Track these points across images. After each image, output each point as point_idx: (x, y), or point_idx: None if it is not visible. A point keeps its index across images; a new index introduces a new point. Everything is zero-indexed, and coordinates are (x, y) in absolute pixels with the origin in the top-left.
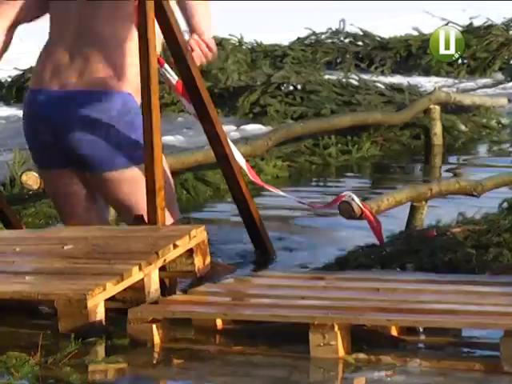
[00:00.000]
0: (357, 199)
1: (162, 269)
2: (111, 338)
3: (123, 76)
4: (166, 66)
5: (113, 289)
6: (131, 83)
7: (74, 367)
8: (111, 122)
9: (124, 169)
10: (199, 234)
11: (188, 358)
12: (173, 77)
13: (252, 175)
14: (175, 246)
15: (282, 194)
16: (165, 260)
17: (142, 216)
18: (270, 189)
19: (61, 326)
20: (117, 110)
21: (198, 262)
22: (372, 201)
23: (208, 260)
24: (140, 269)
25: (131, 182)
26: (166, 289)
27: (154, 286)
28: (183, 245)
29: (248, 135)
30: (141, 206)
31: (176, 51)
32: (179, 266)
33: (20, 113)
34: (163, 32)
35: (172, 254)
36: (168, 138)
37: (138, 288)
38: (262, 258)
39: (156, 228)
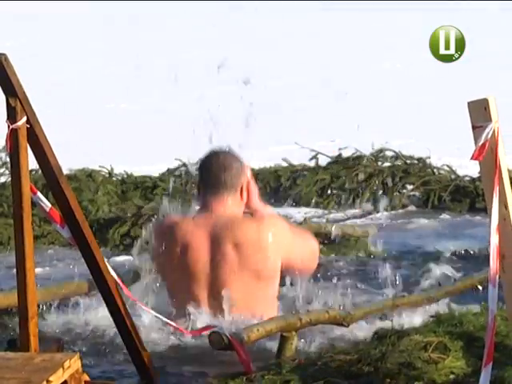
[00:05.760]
0: (226, 331)
1: None
2: None
3: None
4: (39, 193)
5: None
6: None
7: None
8: None
9: None
10: (73, 364)
11: None
12: (46, 204)
13: (125, 291)
14: (48, 383)
15: (153, 313)
16: None
17: (15, 340)
18: (143, 307)
19: None
20: None
21: None
22: (242, 331)
23: None
24: None
25: None
26: None
27: None
28: (56, 379)
29: (118, 266)
30: None
31: (50, 176)
32: None
33: None
34: (36, 158)
35: None
36: (37, 270)
37: None
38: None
39: (29, 357)
